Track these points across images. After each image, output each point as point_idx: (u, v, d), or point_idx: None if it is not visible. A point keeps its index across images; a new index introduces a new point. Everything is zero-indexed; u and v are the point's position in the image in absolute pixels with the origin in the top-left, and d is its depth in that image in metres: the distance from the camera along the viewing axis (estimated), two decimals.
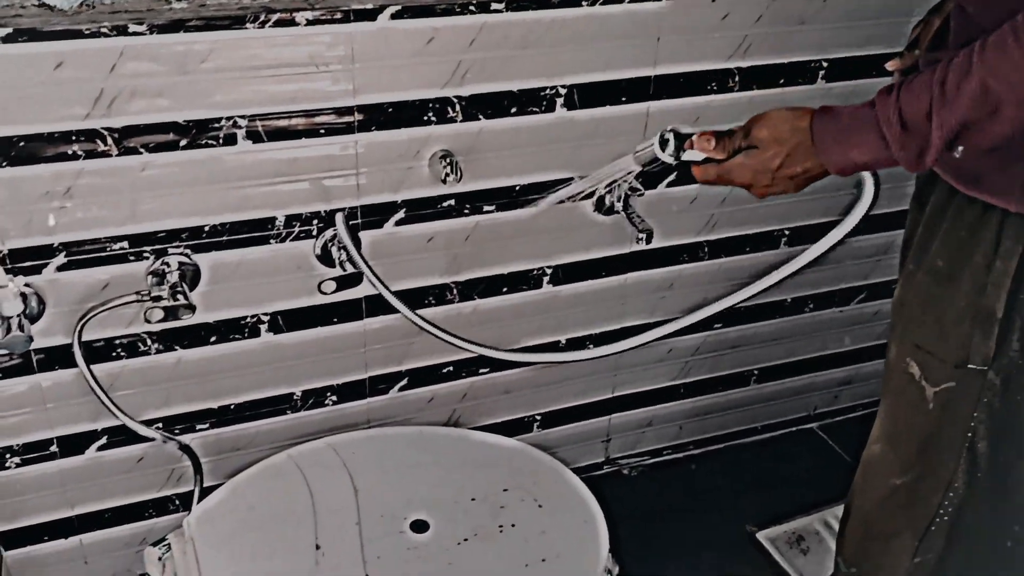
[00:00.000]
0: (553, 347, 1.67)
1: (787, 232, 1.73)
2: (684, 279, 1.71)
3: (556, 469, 1.23)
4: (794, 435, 2.03)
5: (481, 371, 1.63)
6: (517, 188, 1.48)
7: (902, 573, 1.12)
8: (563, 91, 1.43)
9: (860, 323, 1.95)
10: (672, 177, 1.59)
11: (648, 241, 1.49)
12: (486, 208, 1.48)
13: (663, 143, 1.07)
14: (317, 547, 1.06)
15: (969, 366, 0.98)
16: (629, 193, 1.53)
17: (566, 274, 1.60)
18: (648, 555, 1.68)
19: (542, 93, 1.42)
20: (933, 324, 1.01)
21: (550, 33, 1.37)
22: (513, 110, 1.41)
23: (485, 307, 1.57)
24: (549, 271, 1.59)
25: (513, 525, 1.11)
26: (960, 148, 0.88)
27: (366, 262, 1.35)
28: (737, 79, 1.53)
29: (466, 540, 1.09)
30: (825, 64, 1.58)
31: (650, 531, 1.75)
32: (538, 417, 1.75)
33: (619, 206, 1.54)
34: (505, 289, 1.57)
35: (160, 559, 1.06)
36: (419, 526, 1.11)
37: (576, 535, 1.12)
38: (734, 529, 1.77)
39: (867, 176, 1.02)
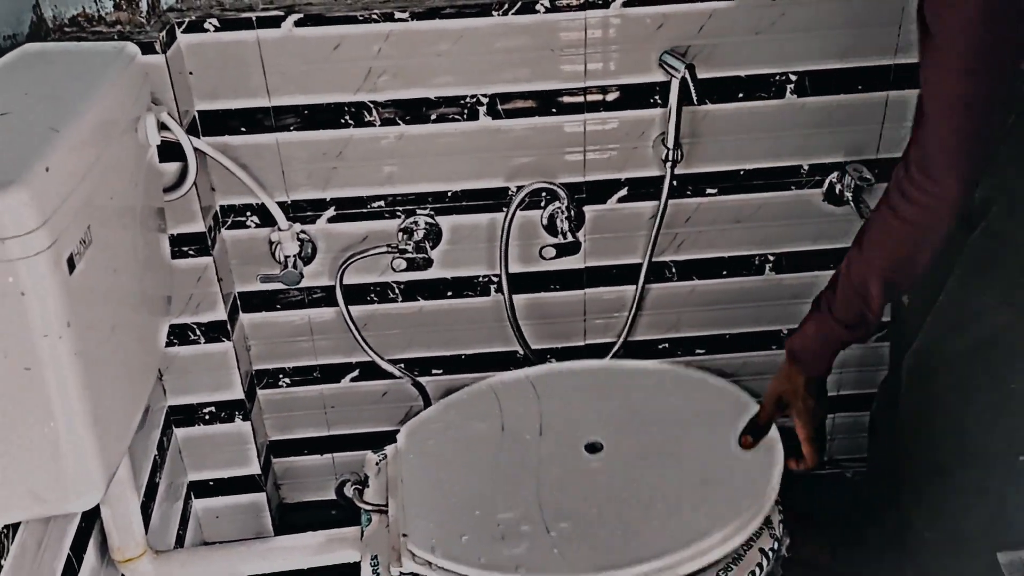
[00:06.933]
0: (774, 336, 1.68)
1: None
2: None
3: (747, 404, 1.25)
4: None
5: (697, 351, 1.68)
6: (741, 172, 1.52)
7: None
8: (794, 77, 1.45)
9: None
10: None
11: None
12: (708, 191, 1.53)
13: None
14: (498, 461, 1.19)
15: None
16: (860, 184, 1.51)
17: (790, 263, 1.61)
18: (857, 555, 1.63)
19: (772, 79, 1.45)
20: None
21: (784, 20, 1.40)
22: (740, 95, 1.45)
23: (703, 288, 1.62)
24: (772, 258, 1.60)
25: (686, 452, 1.17)
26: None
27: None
28: None
29: (633, 462, 1.18)
30: None
31: (864, 532, 1.68)
32: None
33: (849, 195, 1.52)
34: (725, 272, 1.61)
35: (377, 464, 1.25)
36: (593, 447, 1.21)
37: (751, 471, 1.16)
38: None
39: None
